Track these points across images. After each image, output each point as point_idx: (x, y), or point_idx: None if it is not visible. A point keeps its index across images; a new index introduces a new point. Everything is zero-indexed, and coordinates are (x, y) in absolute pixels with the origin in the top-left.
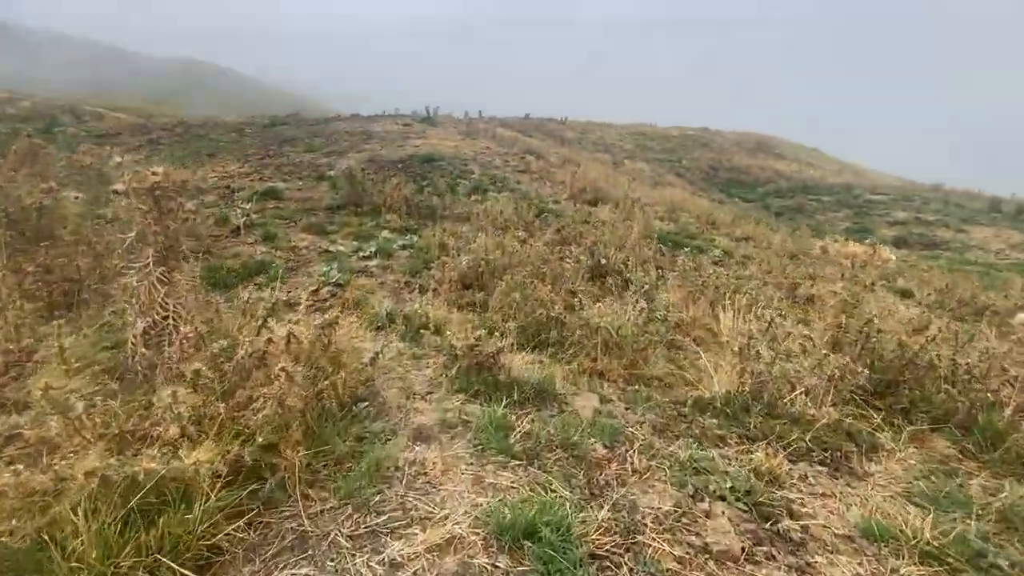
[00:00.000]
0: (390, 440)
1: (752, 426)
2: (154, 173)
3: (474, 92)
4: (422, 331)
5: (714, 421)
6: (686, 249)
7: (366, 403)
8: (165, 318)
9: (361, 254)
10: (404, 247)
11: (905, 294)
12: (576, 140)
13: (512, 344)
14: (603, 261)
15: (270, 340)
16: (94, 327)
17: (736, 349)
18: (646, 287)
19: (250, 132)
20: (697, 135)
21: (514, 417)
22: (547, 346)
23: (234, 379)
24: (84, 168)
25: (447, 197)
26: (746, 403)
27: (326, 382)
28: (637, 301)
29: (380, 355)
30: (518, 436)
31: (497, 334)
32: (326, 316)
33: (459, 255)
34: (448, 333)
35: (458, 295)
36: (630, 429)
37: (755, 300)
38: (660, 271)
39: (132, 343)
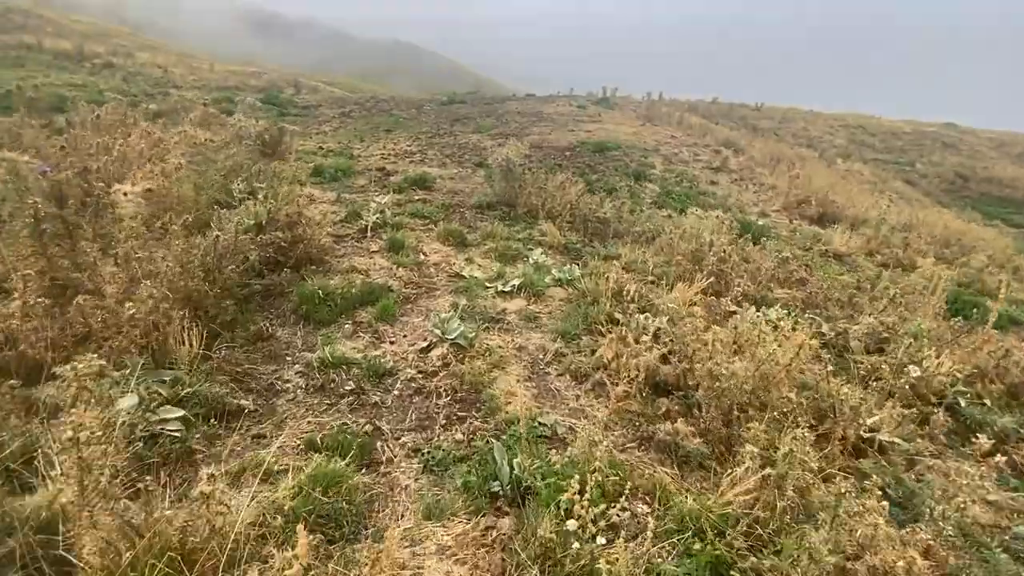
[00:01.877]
0: None
1: None
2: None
3: (654, 75)
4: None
5: None
6: None
7: None
8: None
9: (501, 286)
10: (560, 282)
11: None
12: (772, 131)
13: None
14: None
15: None
16: None
17: None
18: None
19: (428, 109)
20: (938, 132)
21: None
22: None
23: None
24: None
25: (623, 201)
26: None
27: None
28: None
29: None
30: None
31: None
32: None
33: (643, 321)
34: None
35: (645, 409)
36: None
37: None
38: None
39: None
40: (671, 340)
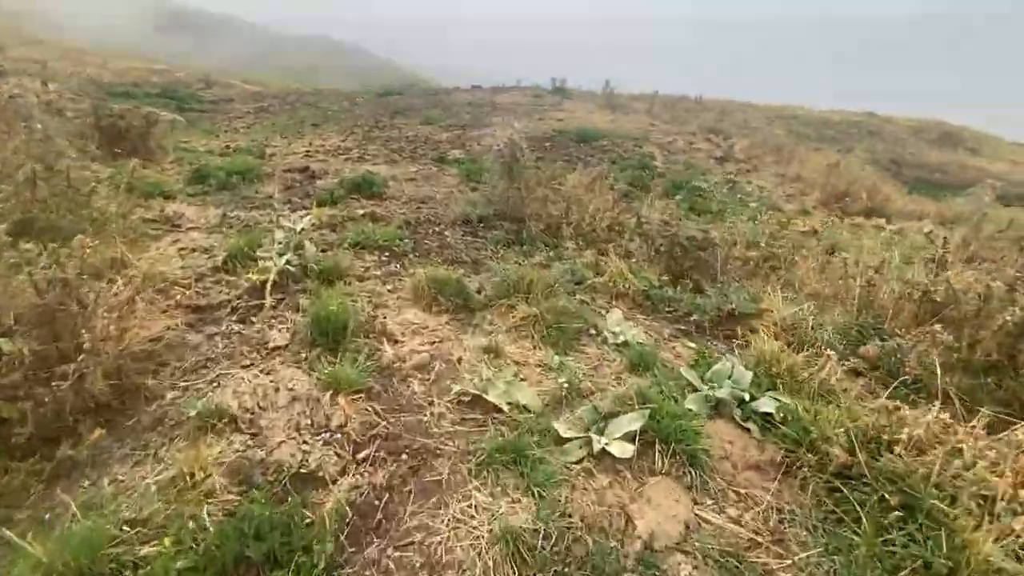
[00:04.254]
0: None
1: None
2: None
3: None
4: None
5: None
6: None
7: None
8: None
9: (597, 438)
10: (721, 407)
11: None
12: (716, 122)
13: None
14: None
15: None
16: None
17: None
18: None
19: (362, 101)
20: (862, 120)
21: None
22: None
23: None
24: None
25: (661, 204)
26: None
27: None
28: None
29: None
30: None
31: None
32: None
33: None
34: None
35: None
36: None
37: None
38: None
39: None
40: None
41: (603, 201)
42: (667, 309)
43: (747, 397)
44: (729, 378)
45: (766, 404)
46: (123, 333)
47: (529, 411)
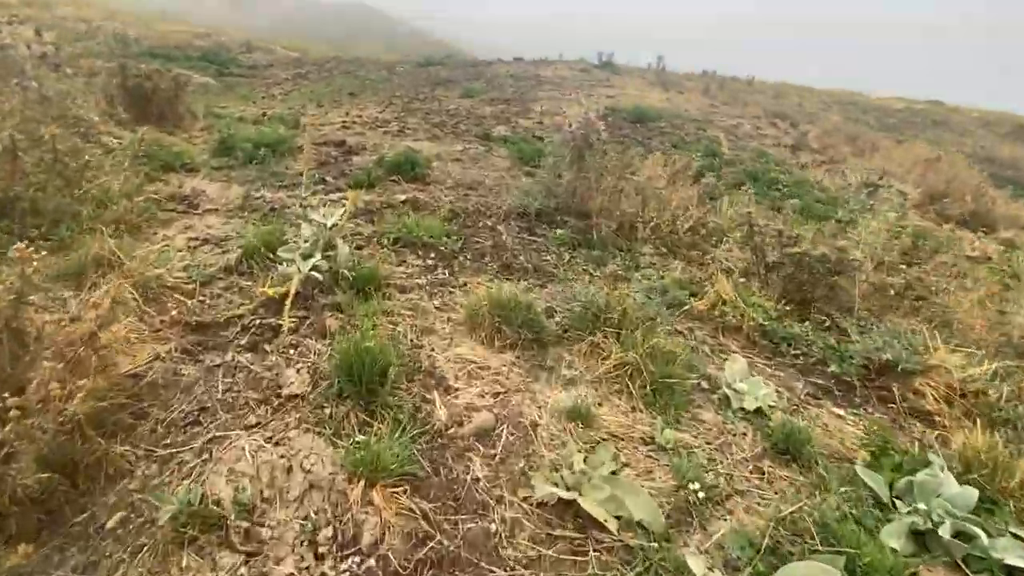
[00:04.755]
0: None
1: None
2: None
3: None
4: None
5: None
6: None
7: None
8: None
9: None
10: None
11: None
12: (773, 106)
13: None
14: None
15: None
16: None
17: None
18: None
19: (401, 71)
20: (926, 109)
21: None
22: None
23: None
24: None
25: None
26: None
27: None
28: None
29: None
30: None
31: None
32: None
33: None
34: None
35: None
36: None
37: None
38: None
39: None
40: None
41: (687, 197)
42: (793, 352)
43: (980, 534)
44: (937, 495)
45: (1013, 553)
46: (80, 384)
47: (646, 530)
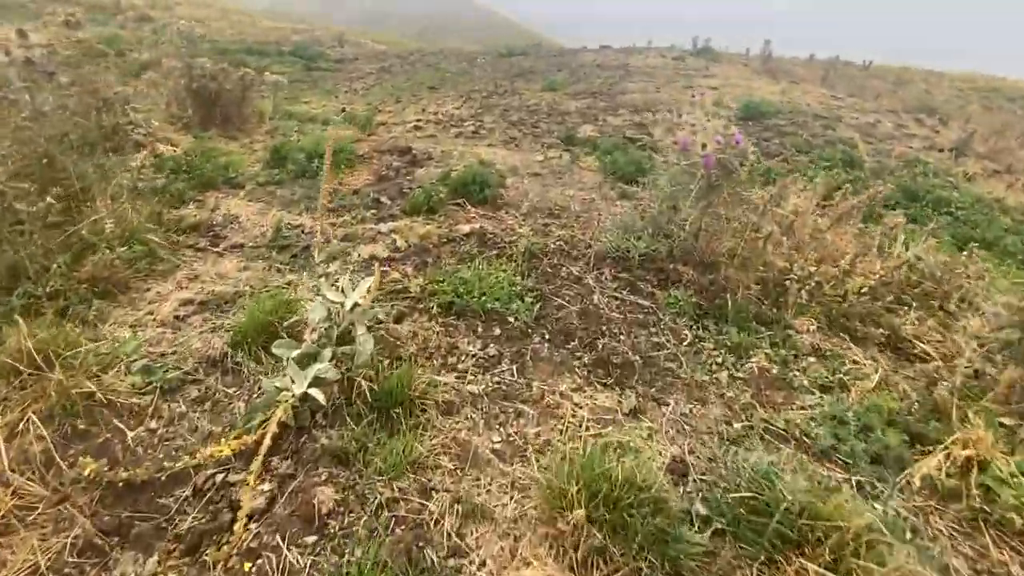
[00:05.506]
0: None
1: None
2: None
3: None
4: None
5: None
6: None
7: None
8: None
9: None
10: None
11: None
12: (888, 94)
13: None
14: None
15: None
16: None
17: None
18: None
19: (482, 62)
20: None
21: None
22: None
23: None
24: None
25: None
26: None
27: None
28: None
29: None
30: None
31: None
32: None
33: None
34: None
35: None
36: None
37: None
38: None
39: None
40: None
41: (855, 243)
42: None
43: None
44: None
45: None
46: None
47: None
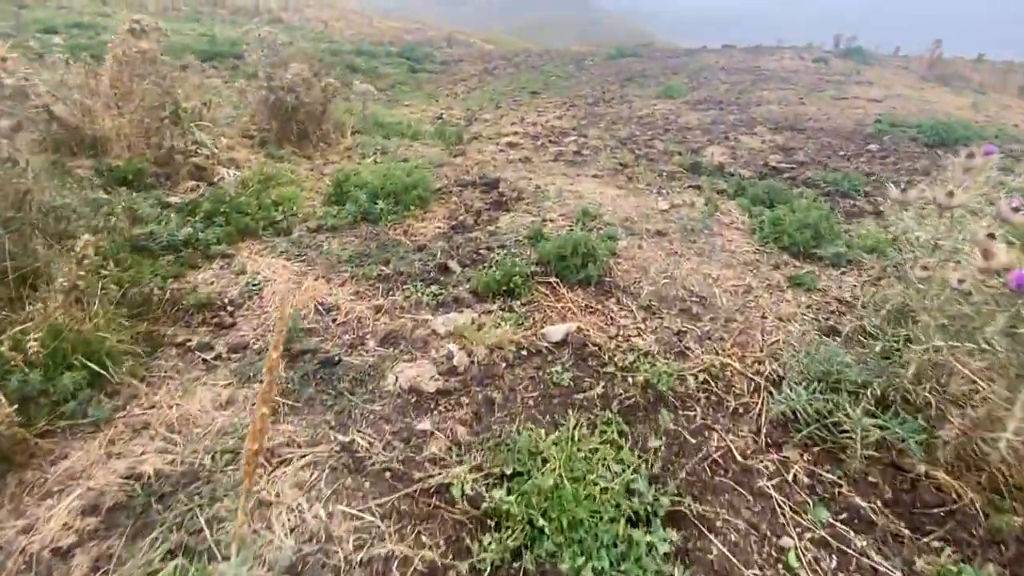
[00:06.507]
0: None
1: None
2: None
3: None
4: None
5: None
6: None
7: None
8: None
9: None
10: None
11: None
12: None
13: None
14: None
15: None
16: None
17: None
18: None
19: (590, 64)
20: None
21: None
22: None
23: None
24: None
25: None
26: None
27: None
28: None
29: None
30: None
31: None
32: None
33: None
34: None
35: None
36: None
37: None
38: None
39: None
40: None
41: None
42: None
43: None
44: None
45: None
46: None
47: None
